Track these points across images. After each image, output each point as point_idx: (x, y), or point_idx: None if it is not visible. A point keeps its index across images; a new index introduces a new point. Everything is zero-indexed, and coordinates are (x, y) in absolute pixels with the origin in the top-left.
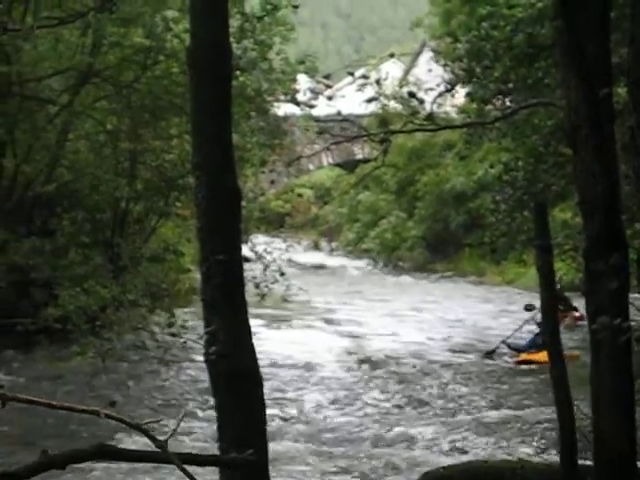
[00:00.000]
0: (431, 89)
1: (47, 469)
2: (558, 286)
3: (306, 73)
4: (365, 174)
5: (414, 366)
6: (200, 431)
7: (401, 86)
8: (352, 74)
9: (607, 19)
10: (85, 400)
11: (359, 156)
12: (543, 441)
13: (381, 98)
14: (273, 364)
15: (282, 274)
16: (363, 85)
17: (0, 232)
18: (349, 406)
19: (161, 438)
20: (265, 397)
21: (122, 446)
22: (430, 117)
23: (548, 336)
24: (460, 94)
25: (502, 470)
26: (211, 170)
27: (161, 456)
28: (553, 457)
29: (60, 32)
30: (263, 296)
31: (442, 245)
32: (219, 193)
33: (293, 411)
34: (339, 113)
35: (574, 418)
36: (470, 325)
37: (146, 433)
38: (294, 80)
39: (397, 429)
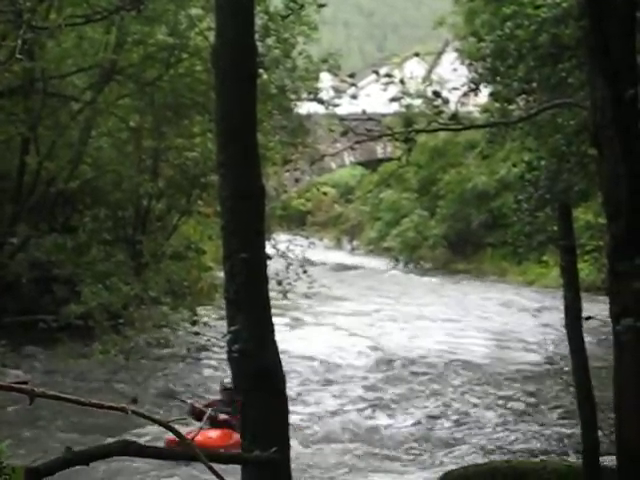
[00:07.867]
0: (455, 88)
1: (71, 465)
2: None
3: (329, 71)
4: (390, 173)
5: (433, 366)
6: None
7: (425, 85)
8: (377, 72)
9: (634, 20)
10: (106, 397)
11: (380, 155)
12: (566, 442)
13: (405, 97)
14: (295, 362)
15: (305, 271)
16: (387, 84)
17: (22, 228)
18: (369, 405)
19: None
20: (287, 395)
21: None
22: (455, 117)
23: (571, 337)
24: (483, 93)
25: (524, 470)
26: (236, 168)
27: (187, 453)
28: (575, 458)
29: (84, 29)
30: (285, 294)
31: (463, 244)
32: (244, 191)
33: (315, 409)
34: (364, 112)
35: (596, 419)
36: (493, 327)
37: (174, 431)
38: (317, 78)
39: (417, 428)
